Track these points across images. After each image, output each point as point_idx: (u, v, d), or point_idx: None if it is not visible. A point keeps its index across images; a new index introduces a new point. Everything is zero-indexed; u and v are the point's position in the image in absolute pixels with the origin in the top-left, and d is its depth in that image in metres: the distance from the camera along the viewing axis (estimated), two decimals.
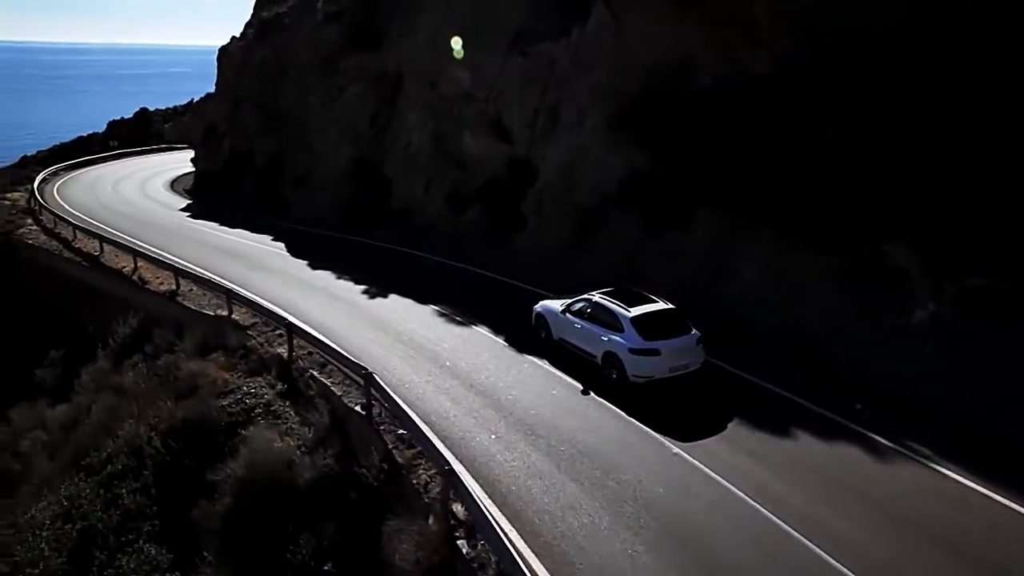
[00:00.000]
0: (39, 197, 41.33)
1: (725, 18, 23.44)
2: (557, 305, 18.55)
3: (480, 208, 30.65)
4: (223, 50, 51.06)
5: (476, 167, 31.28)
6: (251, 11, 55.61)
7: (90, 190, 48.33)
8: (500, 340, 19.19)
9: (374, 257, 29.23)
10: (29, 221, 37.99)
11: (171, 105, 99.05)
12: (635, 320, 16.17)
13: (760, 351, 17.51)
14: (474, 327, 20.20)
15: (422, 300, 22.53)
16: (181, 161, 62.31)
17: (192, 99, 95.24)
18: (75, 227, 33.49)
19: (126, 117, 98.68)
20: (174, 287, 25.18)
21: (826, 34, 20.33)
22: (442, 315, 21.30)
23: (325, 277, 25.66)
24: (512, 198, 29.53)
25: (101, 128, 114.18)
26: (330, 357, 17.69)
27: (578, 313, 17.56)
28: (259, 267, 27.34)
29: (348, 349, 18.50)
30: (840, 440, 14.26)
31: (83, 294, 29.77)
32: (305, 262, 27.86)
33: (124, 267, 28.37)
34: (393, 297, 23.09)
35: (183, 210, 41.54)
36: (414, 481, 13.57)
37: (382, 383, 15.45)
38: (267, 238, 32.65)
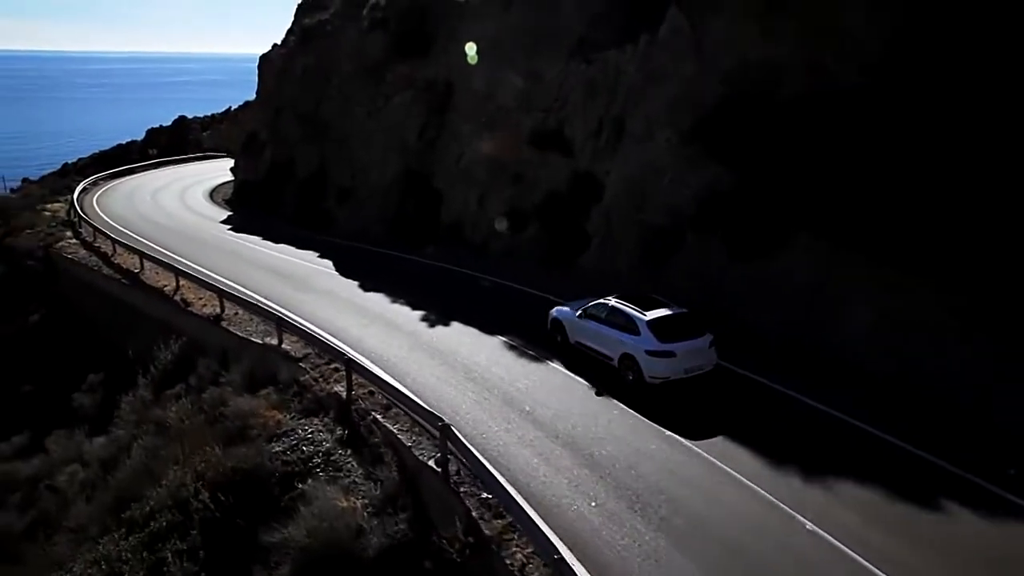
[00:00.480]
0: (78, 208, 40.02)
1: (817, 25, 21.29)
2: (572, 310, 18.75)
3: (539, 225, 28.60)
4: (264, 58, 49.61)
5: (535, 181, 29.25)
6: (292, 18, 54.32)
7: (129, 200, 47.07)
8: (580, 381, 17.03)
9: (428, 277, 27.24)
10: (68, 234, 36.62)
11: (209, 113, 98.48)
12: (651, 323, 16.35)
13: (880, 404, 15.24)
14: (549, 363, 18.08)
15: (487, 329, 20.47)
16: (220, 170, 61.11)
17: (230, 107, 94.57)
18: (114, 241, 31.97)
19: (165, 125, 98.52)
20: (218, 310, 23.38)
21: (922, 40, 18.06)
22: (511, 347, 19.22)
23: (379, 301, 23.71)
24: (574, 215, 27.46)
25: (140, 135, 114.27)
26: (397, 400, 15.69)
27: (594, 317, 17.78)
28: (307, 288, 25.50)
29: (414, 388, 16.58)
30: (994, 512, 11.98)
31: (123, 313, 28.17)
32: (355, 282, 25.94)
33: (165, 286, 26.69)
34: (456, 326, 21.05)
35: (224, 222, 39.97)
36: (508, 561, 11.47)
37: (461, 437, 13.43)
38: (312, 254, 30.84)
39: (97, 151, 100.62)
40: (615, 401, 15.87)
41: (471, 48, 33.30)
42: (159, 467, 17.14)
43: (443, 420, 13.74)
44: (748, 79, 22.55)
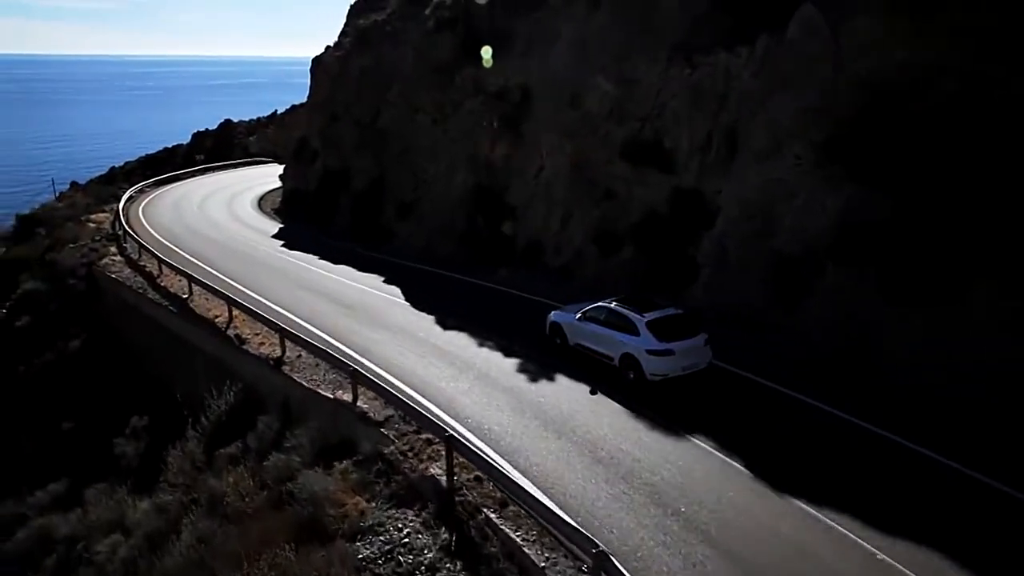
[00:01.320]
0: (123, 221, 37.14)
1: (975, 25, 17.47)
2: (571, 313, 19.04)
3: (634, 249, 24.84)
4: (317, 60, 46.43)
5: (629, 200, 25.52)
6: (344, 20, 51.22)
7: (175, 210, 44.21)
8: (739, 467, 13.29)
9: (512, 310, 23.50)
10: (113, 250, 33.67)
11: (254, 117, 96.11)
12: (650, 323, 16.78)
13: None
14: (693, 439, 14.35)
15: (604, 386, 16.79)
16: (267, 176, 58.31)
17: (275, 111, 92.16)
18: (160, 260, 28.86)
19: (210, 128, 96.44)
20: (279, 352, 19.99)
21: None
22: (639, 416, 15.51)
23: (463, 344, 20.05)
24: (678, 240, 23.69)
25: (184, 136, 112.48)
26: (527, 506, 12.05)
27: (594, 319, 18.10)
28: (377, 323, 22.01)
29: (527, 471, 13.04)
30: None
31: (170, 344, 25.01)
32: (431, 317, 22.38)
33: (217, 317, 23.42)
34: (564, 381, 17.33)
35: (275, 237, 36.77)
36: None
37: (623, 570, 9.78)
38: (376, 279, 27.37)
39: (144, 155, 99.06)
40: (798, 502, 12.08)
41: (487, 52, 31.40)
42: (215, 562, 13.73)
43: (598, 545, 10.10)
44: (895, 85, 18.72)
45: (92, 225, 39.39)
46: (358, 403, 16.59)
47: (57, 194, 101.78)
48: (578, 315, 18.59)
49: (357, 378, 16.70)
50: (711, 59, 23.93)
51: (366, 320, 22.25)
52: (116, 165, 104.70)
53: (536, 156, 28.90)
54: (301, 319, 22.33)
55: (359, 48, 41.61)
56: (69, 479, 22.55)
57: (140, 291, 27.66)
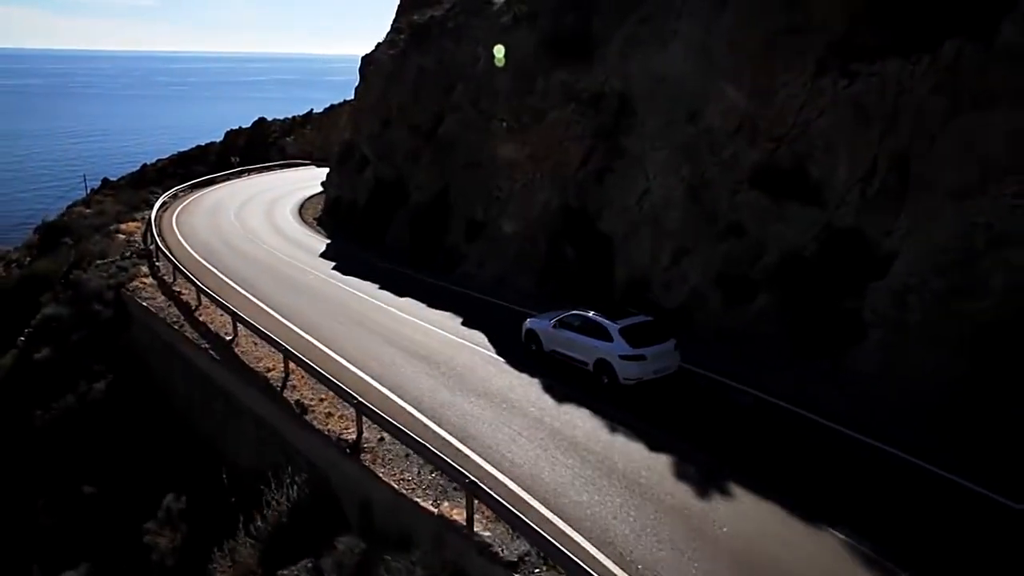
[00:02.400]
0: (156, 234, 32.87)
1: None
2: (546, 321, 19.06)
3: (772, 298, 20.07)
4: (367, 59, 41.97)
5: (763, 237, 20.78)
6: (394, 15, 46.82)
7: (211, 219, 39.95)
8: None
9: None
10: (144, 269, 29.35)
11: (288, 115, 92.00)
12: (623, 330, 17.07)
13: None
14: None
15: (812, 513, 12.11)
16: (306, 181, 54.19)
17: (311, 110, 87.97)
18: (199, 289, 24.49)
19: (244, 127, 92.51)
20: (355, 433, 15.45)
21: None
22: (866, 559, 10.85)
23: (590, 430, 15.27)
24: (833, 290, 18.93)
25: (215, 132, 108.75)
26: None
27: (568, 326, 18.26)
28: (469, 388, 17.33)
29: None
30: None
31: (212, 399, 20.57)
32: (535, 381, 17.62)
33: (270, 371, 18.92)
34: (757, 504, 12.56)
35: (324, 256, 32.28)
36: None
37: None
38: (453, 319, 22.66)
39: (176, 153, 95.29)
40: None
41: (499, 50, 29.05)
42: None
43: None
44: None
45: (122, 236, 35.16)
46: (475, 529, 12.02)
47: (88, 191, 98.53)
48: (553, 322, 18.81)
49: (474, 493, 12.11)
50: (876, 68, 19.08)
51: (455, 382, 17.61)
52: (148, 162, 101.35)
53: (640, 177, 24.15)
54: (372, 377, 17.78)
55: (416, 46, 37.06)
56: (89, 564, 18.20)
57: (176, 326, 23.24)
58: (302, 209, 45.92)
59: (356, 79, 42.74)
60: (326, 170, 60.78)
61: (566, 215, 26.37)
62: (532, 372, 18.16)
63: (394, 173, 36.42)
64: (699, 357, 18.71)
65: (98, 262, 30.76)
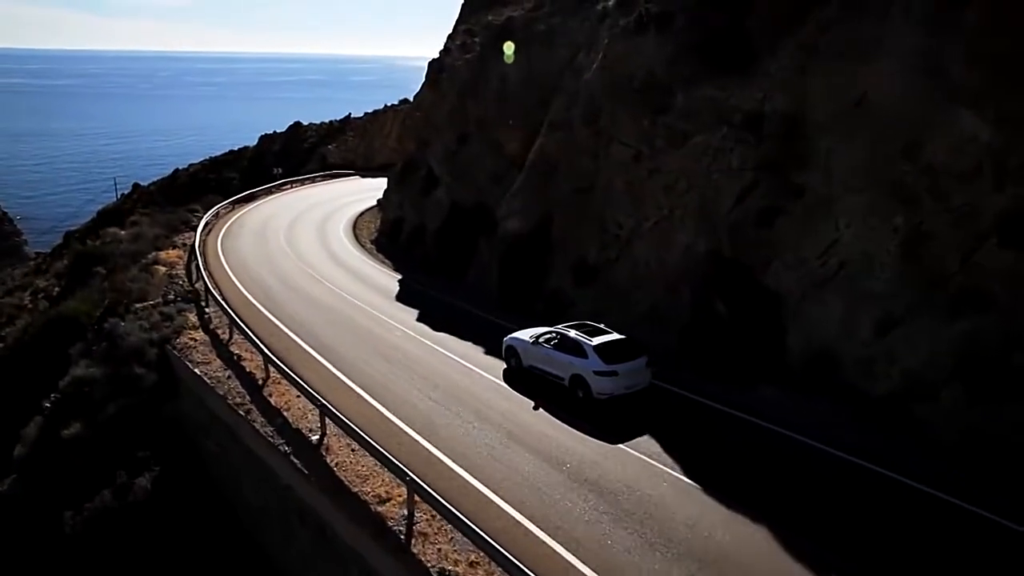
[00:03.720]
0: (203, 269, 27.56)
1: None
2: (526, 337, 19.16)
3: None
4: (435, 64, 36.51)
5: (1011, 307, 15.10)
6: (459, 12, 41.38)
7: (260, 245, 34.63)
8: None
9: (846, 499, 13.27)
10: (193, 319, 24.05)
11: (323, 119, 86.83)
12: (597, 348, 17.34)
13: None
14: None
15: None
16: (353, 194, 49.07)
17: (349, 114, 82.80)
18: (265, 358, 19.09)
19: (278, 131, 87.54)
20: None
21: None
22: None
23: None
24: None
25: (248, 135, 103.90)
26: None
27: (546, 344, 18.45)
28: (679, 551, 11.90)
29: None
30: None
31: (295, 522, 15.15)
32: (742, 515, 12.21)
33: (384, 500, 13.39)
34: None
35: (401, 300, 26.67)
36: None
37: None
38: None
39: (208, 158, 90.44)
40: None
41: (509, 48, 27.47)
42: None
43: None
44: None
45: (162, 269, 29.88)
46: None
47: (119, 195, 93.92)
48: (532, 339, 18.92)
49: None
50: None
51: (657, 545, 12.07)
52: (179, 167, 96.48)
53: (826, 223, 18.39)
54: (530, 521, 12.32)
55: (498, 51, 31.54)
56: None
57: (240, 408, 17.81)
58: (356, 229, 40.58)
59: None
60: (371, 181, 55.72)
61: (716, 263, 20.71)
62: (737, 503, 12.56)
63: (473, 197, 30.92)
64: (937, 472, 13.15)
65: (137, 306, 25.48)
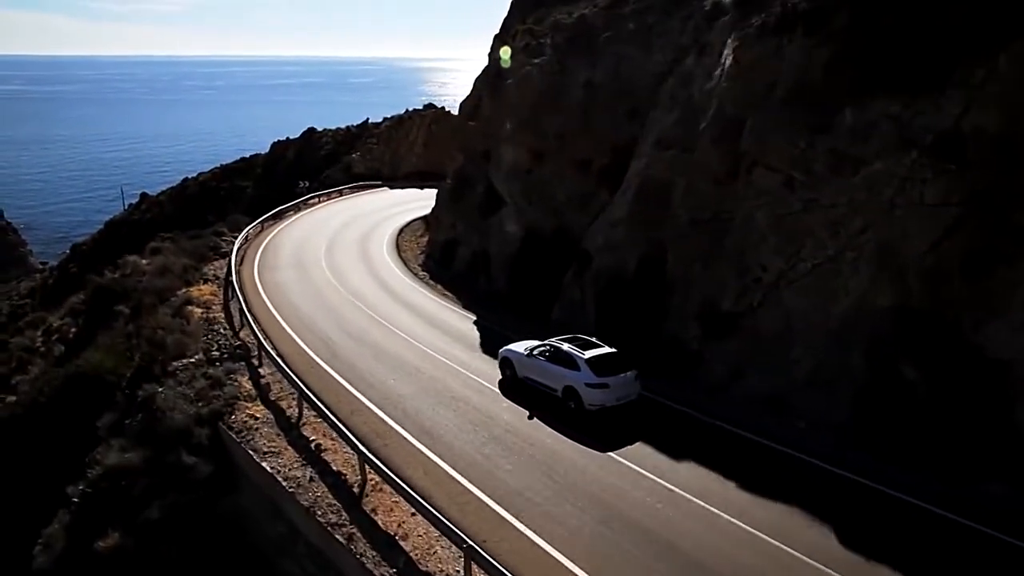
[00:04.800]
0: (249, 317, 23.12)
1: None
2: (521, 349, 19.27)
3: None
4: (492, 69, 32.09)
5: None
6: (508, 9, 37.10)
7: (304, 279, 30.08)
8: None
9: None
10: (246, 383, 19.65)
11: (342, 125, 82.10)
12: (589, 361, 17.49)
13: None
14: None
15: None
16: (387, 209, 45.01)
17: (367, 119, 78.19)
18: (362, 457, 14.66)
19: (291, 137, 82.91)
20: None
21: None
22: None
23: None
24: None
25: (250, 136, 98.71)
26: None
27: (541, 355, 18.63)
28: None
29: None
30: None
31: None
32: None
33: None
34: None
35: (487, 351, 22.38)
36: None
37: None
38: (763, 506, 12.94)
39: (218, 165, 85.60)
40: None
41: (505, 52, 27.55)
42: None
43: None
44: None
45: (197, 312, 25.40)
46: None
47: (126, 205, 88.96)
48: (527, 351, 18.95)
49: None
50: None
51: None
52: (185, 174, 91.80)
53: None
54: None
55: (578, 55, 27.14)
56: None
57: (337, 530, 13.45)
58: (400, 251, 36.21)
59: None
60: (400, 193, 51.34)
61: (903, 319, 16.40)
62: None
63: (552, 222, 26.58)
64: None
65: (175, 365, 21.05)
